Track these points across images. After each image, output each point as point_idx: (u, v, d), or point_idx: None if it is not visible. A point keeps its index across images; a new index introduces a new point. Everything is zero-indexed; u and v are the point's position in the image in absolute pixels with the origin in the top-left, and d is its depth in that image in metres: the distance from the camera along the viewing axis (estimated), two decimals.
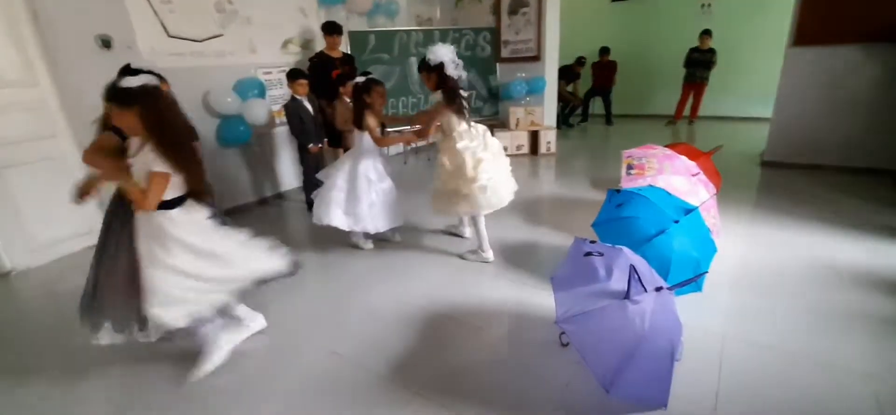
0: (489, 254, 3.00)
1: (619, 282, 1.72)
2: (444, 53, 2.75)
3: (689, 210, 2.40)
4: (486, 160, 2.79)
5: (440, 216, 3.41)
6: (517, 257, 3.03)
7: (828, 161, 4.60)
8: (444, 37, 5.84)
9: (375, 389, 1.91)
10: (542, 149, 6.06)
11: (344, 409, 1.81)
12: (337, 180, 3.04)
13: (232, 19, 4.15)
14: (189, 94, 3.80)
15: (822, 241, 3.01)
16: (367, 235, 3.23)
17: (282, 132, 4.71)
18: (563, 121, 8.08)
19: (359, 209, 2.98)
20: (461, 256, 3.09)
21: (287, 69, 4.04)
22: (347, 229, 3.06)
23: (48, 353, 2.31)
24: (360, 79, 2.96)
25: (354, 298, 2.69)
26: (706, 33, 7.26)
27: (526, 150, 6.11)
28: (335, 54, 4.48)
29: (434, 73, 2.77)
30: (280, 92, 4.59)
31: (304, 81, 3.83)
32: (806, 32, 4.40)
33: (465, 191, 2.78)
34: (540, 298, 2.46)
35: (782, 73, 4.64)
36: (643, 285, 1.67)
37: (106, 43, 3.31)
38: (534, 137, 6.09)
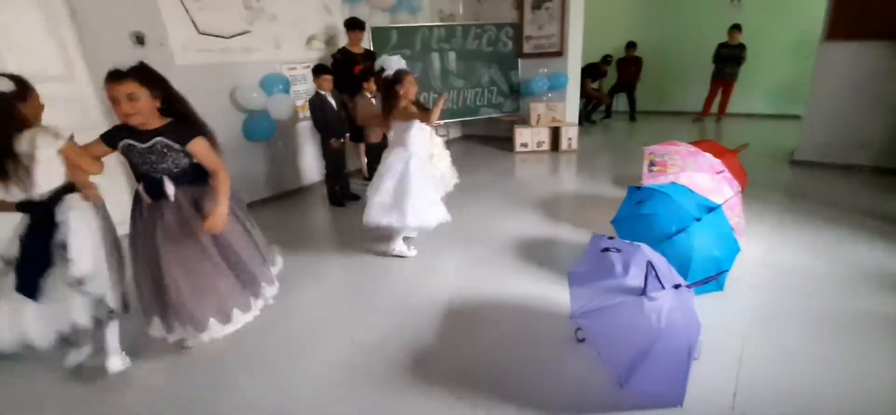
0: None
1: (636, 278, 1.72)
2: (396, 63, 2.93)
3: (712, 208, 2.37)
4: None
5: None
6: (536, 253, 3.04)
7: (861, 161, 4.44)
8: (465, 32, 5.86)
9: (394, 377, 1.96)
10: (564, 145, 6.00)
11: (363, 396, 1.86)
12: (385, 183, 2.93)
13: (258, 16, 4.25)
14: (217, 90, 3.97)
15: (849, 243, 2.92)
16: (407, 242, 3.13)
17: (305, 127, 4.80)
18: (586, 117, 7.98)
19: (406, 203, 2.86)
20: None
21: (311, 65, 4.13)
22: (398, 226, 2.95)
23: None
24: (388, 74, 2.88)
25: (373, 290, 2.74)
26: (735, 28, 7.05)
27: (546, 146, 6.06)
28: (357, 50, 4.54)
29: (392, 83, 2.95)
30: (304, 87, 4.68)
31: (328, 77, 3.92)
32: (840, 27, 4.25)
33: None
34: (558, 294, 2.45)
35: (815, 69, 4.49)
36: (661, 282, 1.66)
37: (140, 39, 3.44)
38: (555, 133, 6.03)
